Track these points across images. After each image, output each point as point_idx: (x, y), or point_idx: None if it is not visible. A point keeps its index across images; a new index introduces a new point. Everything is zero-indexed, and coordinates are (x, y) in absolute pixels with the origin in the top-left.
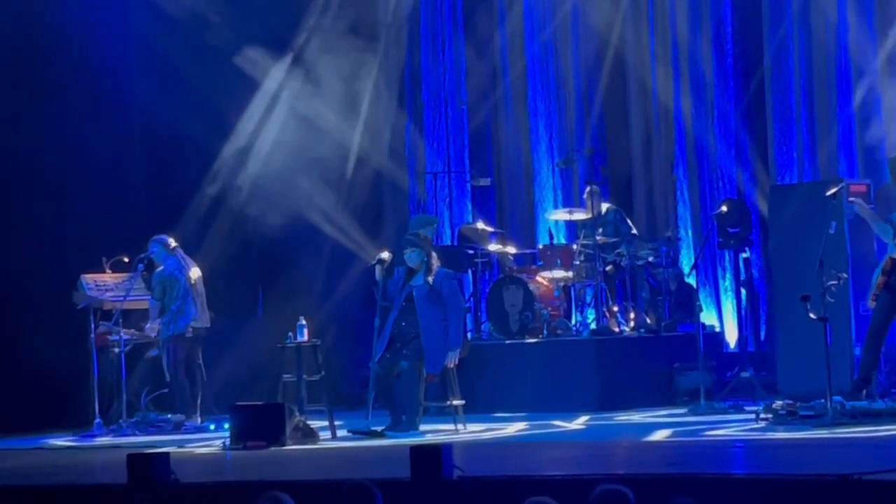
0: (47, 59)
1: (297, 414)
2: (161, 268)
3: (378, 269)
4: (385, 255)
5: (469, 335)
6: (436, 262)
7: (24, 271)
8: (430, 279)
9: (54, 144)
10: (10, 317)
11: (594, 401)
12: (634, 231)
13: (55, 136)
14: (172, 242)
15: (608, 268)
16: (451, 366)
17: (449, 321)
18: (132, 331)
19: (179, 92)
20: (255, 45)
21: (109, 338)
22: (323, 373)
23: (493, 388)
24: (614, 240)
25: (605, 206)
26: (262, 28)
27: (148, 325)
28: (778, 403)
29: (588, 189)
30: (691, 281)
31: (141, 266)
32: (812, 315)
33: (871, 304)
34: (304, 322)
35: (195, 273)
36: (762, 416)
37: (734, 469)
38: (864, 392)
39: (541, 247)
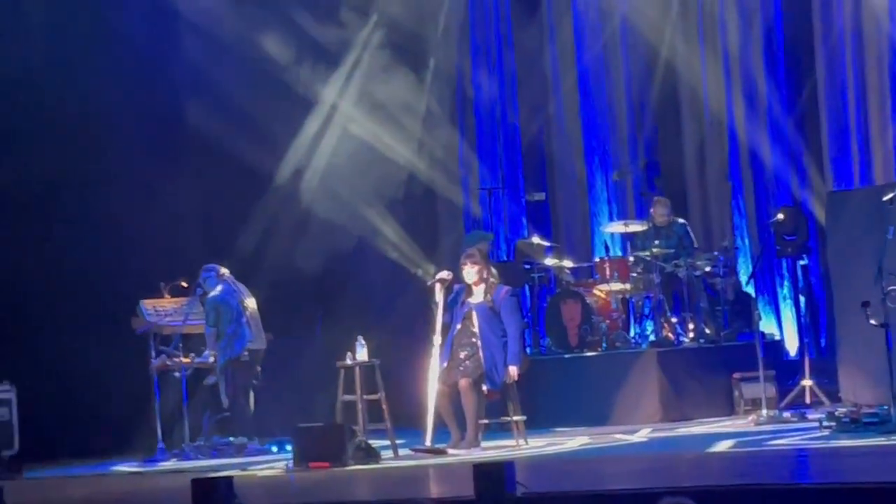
0: (101, 88)
1: (358, 434)
2: (213, 293)
3: (438, 287)
4: (444, 274)
5: (528, 350)
6: (495, 279)
7: (84, 297)
8: (490, 296)
9: (110, 170)
10: (71, 344)
11: (655, 413)
12: (697, 244)
13: (110, 162)
14: (223, 270)
15: (673, 270)
16: (511, 381)
17: (508, 337)
18: (192, 355)
19: (232, 115)
20: (307, 66)
21: (169, 362)
22: (383, 392)
23: (553, 403)
24: (670, 251)
25: (671, 218)
26: (313, 49)
27: (206, 353)
28: (841, 411)
29: (661, 200)
30: (749, 290)
31: (199, 290)
32: (873, 321)
33: None
34: (362, 341)
35: (251, 302)
36: (825, 424)
37: (799, 479)
38: None
39: (597, 260)
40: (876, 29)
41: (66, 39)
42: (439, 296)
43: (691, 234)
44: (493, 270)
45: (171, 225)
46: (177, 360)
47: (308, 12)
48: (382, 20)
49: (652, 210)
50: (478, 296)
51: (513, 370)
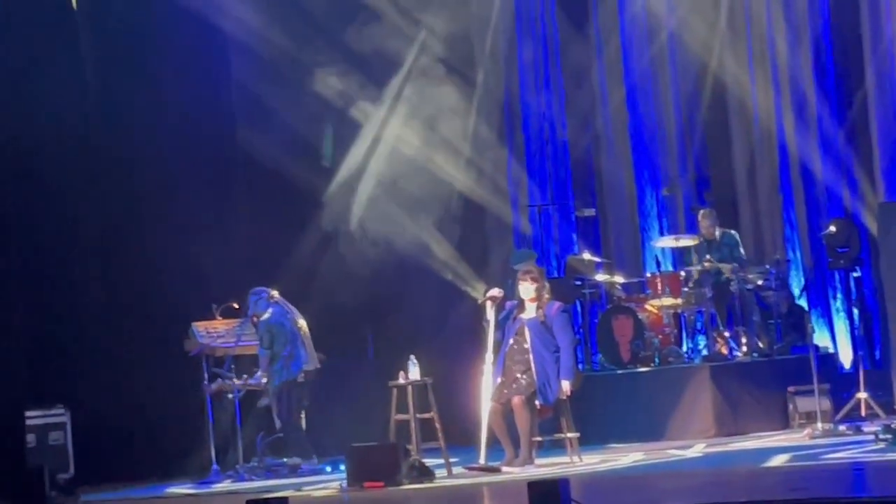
0: (154, 114)
1: (412, 453)
2: (266, 316)
3: (489, 305)
4: (496, 291)
5: (580, 367)
6: (548, 296)
7: (137, 320)
8: (542, 312)
9: (162, 195)
10: (125, 367)
11: (710, 427)
12: (746, 256)
13: (163, 187)
14: (273, 292)
15: (726, 281)
16: (564, 397)
17: (561, 352)
18: (244, 377)
19: (281, 135)
20: (355, 85)
21: (223, 384)
22: (435, 410)
23: (606, 419)
24: (723, 265)
25: (719, 231)
26: (360, 68)
27: (258, 374)
28: None
29: (704, 211)
30: (802, 303)
31: (250, 312)
32: None
33: None
34: (414, 360)
35: (301, 320)
36: (881, 436)
37: (856, 492)
38: None
39: (648, 275)
40: None
41: (117, 67)
42: (490, 313)
43: (741, 246)
44: (548, 286)
45: (223, 247)
46: (230, 381)
47: (356, 31)
48: (430, 39)
49: (699, 223)
50: (530, 312)
51: (566, 385)
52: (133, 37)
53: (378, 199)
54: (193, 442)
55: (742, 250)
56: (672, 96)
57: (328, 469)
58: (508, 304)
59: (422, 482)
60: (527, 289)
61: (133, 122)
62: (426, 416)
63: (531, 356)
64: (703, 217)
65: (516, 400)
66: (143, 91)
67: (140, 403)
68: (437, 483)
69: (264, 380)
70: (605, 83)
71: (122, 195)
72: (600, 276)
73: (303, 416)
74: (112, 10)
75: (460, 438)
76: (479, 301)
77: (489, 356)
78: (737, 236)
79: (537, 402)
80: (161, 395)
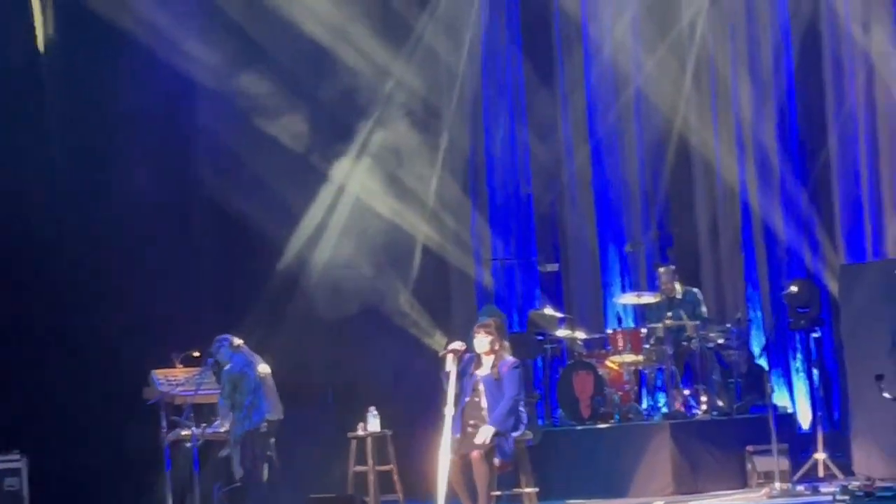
0: (116, 155)
1: None
2: (228, 365)
3: (450, 358)
4: (457, 344)
5: (540, 422)
6: (505, 352)
7: (96, 368)
8: (496, 368)
9: (123, 239)
10: (82, 413)
11: (668, 485)
12: (707, 315)
13: (124, 230)
14: (237, 341)
15: (684, 345)
16: (481, 442)
17: (502, 401)
18: (203, 425)
19: (247, 184)
20: (321, 134)
21: (181, 433)
22: (394, 463)
23: (566, 475)
24: (685, 322)
25: (681, 288)
26: (327, 118)
27: (217, 423)
28: (854, 484)
29: (663, 269)
30: (762, 362)
31: (211, 360)
32: (887, 394)
33: None
34: (374, 412)
35: (264, 368)
36: (838, 498)
37: None
38: None
39: (610, 331)
40: (888, 101)
41: (82, 109)
42: (451, 366)
43: (703, 304)
44: (506, 344)
45: (184, 294)
46: (188, 430)
47: (323, 80)
48: (398, 90)
49: (659, 281)
50: (485, 368)
51: (487, 430)
52: (99, 80)
53: (341, 248)
54: (151, 490)
55: (704, 308)
56: (637, 153)
57: None
58: (467, 356)
59: None
60: (481, 342)
61: (96, 166)
62: (385, 468)
63: (486, 413)
64: (664, 274)
65: (475, 454)
66: (108, 135)
67: (98, 450)
68: None
69: (223, 429)
70: (570, 138)
71: (84, 240)
72: (562, 332)
73: (265, 466)
74: (79, 51)
75: (419, 492)
76: (440, 353)
77: (449, 409)
78: (699, 294)
79: (496, 459)
80: (119, 442)
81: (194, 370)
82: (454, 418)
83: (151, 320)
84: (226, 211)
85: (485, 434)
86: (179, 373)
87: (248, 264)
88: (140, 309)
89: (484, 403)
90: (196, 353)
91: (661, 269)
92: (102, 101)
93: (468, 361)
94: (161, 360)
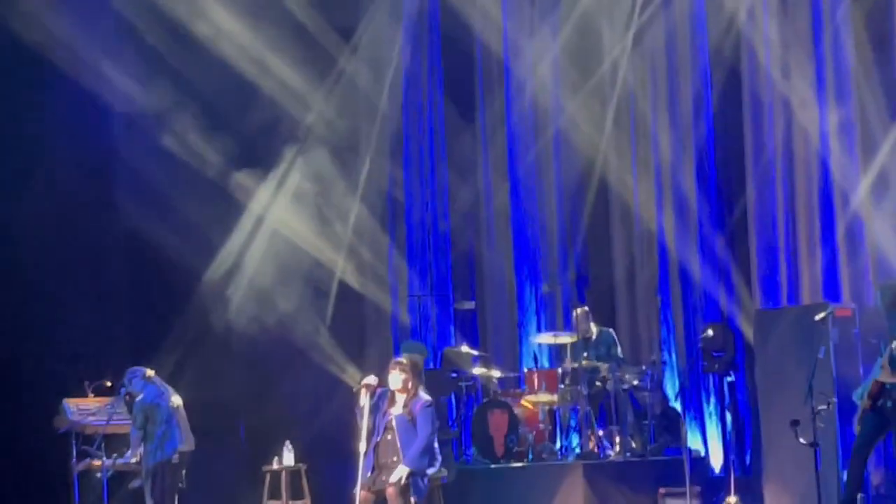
0: (26, 178)
1: None
2: (141, 396)
3: (364, 392)
4: (370, 379)
5: (454, 459)
6: (418, 390)
7: (5, 395)
8: (409, 408)
9: (38, 266)
10: None
11: None
12: (622, 356)
13: (37, 257)
14: (149, 372)
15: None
16: (396, 481)
17: (416, 441)
18: (114, 456)
19: (165, 215)
20: (240, 165)
21: (92, 463)
22: (308, 497)
23: None
24: (600, 363)
25: (596, 328)
26: (246, 151)
27: (129, 453)
28: None
29: (578, 311)
30: (676, 405)
31: (123, 390)
32: (802, 440)
33: (857, 427)
34: (289, 446)
35: (176, 400)
36: None
37: None
38: None
39: (525, 370)
40: (806, 150)
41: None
42: (365, 400)
43: (618, 345)
44: (420, 384)
45: (96, 323)
46: (99, 460)
47: (245, 113)
48: (318, 124)
49: (574, 321)
50: (398, 406)
51: (402, 471)
52: (16, 104)
53: (257, 280)
54: None
55: (619, 349)
56: (556, 193)
57: None
58: (380, 390)
59: None
60: (394, 378)
61: (9, 190)
62: (299, 503)
63: (400, 451)
64: (579, 316)
65: (390, 491)
66: (22, 159)
67: (4, 479)
68: None
69: (134, 460)
70: (489, 177)
71: None
72: (477, 370)
73: (175, 498)
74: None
75: None
76: (354, 389)
77: (362, 445)
78: (614, 335)
79: (412, 499)
80: (28, 471)
81: (106, 400)
82: (367, 455)
83: (64, 349)
84: (142, 240)
85: (399, 474)
86: (91, 402)
87: (164, 295)
88: (52, 337)
89: (397, 442)
90: (108, 383)
91: (577, 311)
92: (16, 123)
93: (381, 396)
94: (73, 389)
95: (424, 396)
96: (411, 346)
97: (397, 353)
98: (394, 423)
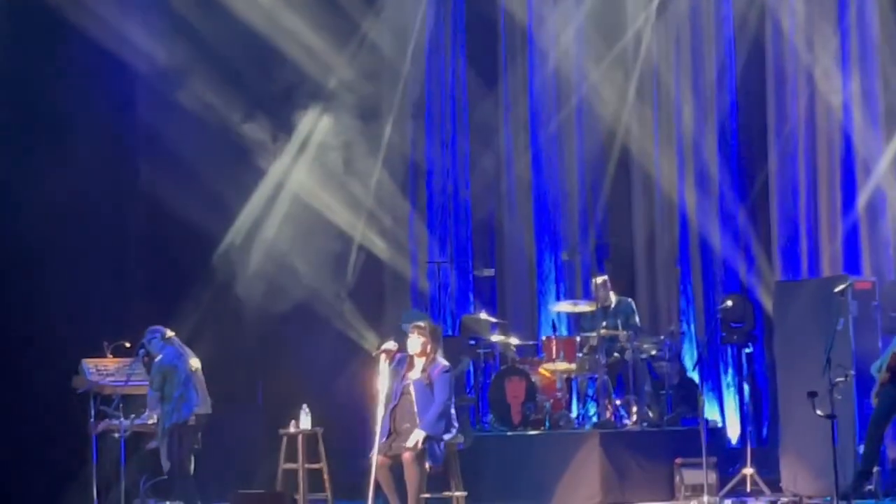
0: (48, 140)
1: (299, 503)
2: (159, 357)
3: (383, 358)
4: (390, 345)
5: (471, 426)
6: (434, 354)
7: (24, 355)
8: (427, 372)
9: (58, 228)
10: (10, 400)
11: (596, 494)
12: (641, 324)
13: (59, 219)
14: (168, 333)
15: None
16: (413, 445)
17: (433, 406)
18: (132, 417)
19: (185, 178)
20: (260, 131)
21: (109, 423)
22: (325, 461)
23: (494, 480)
24: (618, 332)
25: (615, 297)
26: (267, 115)
27: (146, 414)
28: (781, 501)
29: (598, 279)
30: (694, 376)
31: (142, 351)
32: (819, 412)
33: (875, 400)
34: (307, 409)
35: (195, 362)
36: None
37: None
38: (866, 485)
39: (543, 338)
40: (828, 122)
41: (18, 93)
42: (384, 366)
43: (636, 315)
44: (439, 347)
45: (116, 284)
46: (117, 421)
47: (264, 78)
48: (340, 87)
49: (593, 289)
50: (416, 371)
51: (418, 435)
52: (35, 65)
53: (277, 245)
54: (76, 480)
55: (637, 318)
56: (577, 162)
57: None
58: (399, 356)
59: None
60: (413, 342)
61: (31, 152)
62: (315, 466)
63: (417, 416)
64: (599, 285)
65: (406, 456)
66: (43, 121)
67: (24, 439)
68: None
69: (151, 421)
70: (511, 145)
71: (18, 228)
72: (495, 337)
73: (192, 459)
74: (20, 35)
75: (348, 491)
76: (374, 354)
77: (381, 409)
78: (633, 304)
79: (427, 463)
80: (46, 431)
81: (125, 360)
82: (384, 420)
83: (84, 309)
84: (162, 203)
85: (416, 438)
86: (110, 363)
87: (183, 257)
88: (73, 298)
89: (414, 407)
90: (127, 344)
91: (597, 280)
92: (38, 86)
93: (400, 362)
94: (92, 349)
95: (443, 362)
96: (414, 315)
97: None
98: (411, 387)
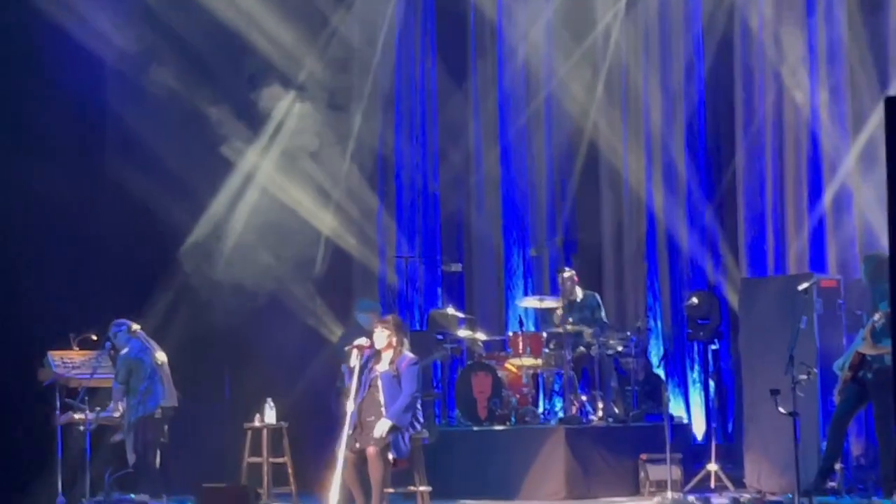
0: (15, 130)
1: (262, 497)
2: (125, 350)
3: (355, 353)
4: (362, 341)
5: (437, 421)
6: (401, 348)
7: None
8: (394, 366)
9: (24, 218)
10: None
11: (561, 489)
12: (606, 320)
13: (24, 209)
14: (134, 326)
15: (577, 353)
16: (378, 436)
17: (400, 398)
18: (97, 410)
19: (154, 170)
20: (230, 122)
21: (75, 416)
22: (289, 455)
23: (460, 475)
24: (584, 328)
25: (581, 291)
26: (236, 105)
27: (111, 407)
28: (745, 497)
29: (567, 273)
30: (660, 372)
31: (108, 344)
32: (782, 409)
33: (838, 398)
34: (271, 403)
35: (161, 356)
36: None
37: None
38: (829, 482)
39: (510, 334)
40: (796, 120)
41: None
42: (355, 361)
43: (602, 309)
44: (405, 340)
45: (84, 277)
46: (82, 414)
47: (233, 68)
48: (310, 81)
49: (560, 283)
50: (384, 364)
51: (384, 424)
52: (3, 54)
53: (245, 239)
54: (41, 473)
55: (603, 313)
56: (546, 158)
57: None
58: (368, 352)
59: None
60: (379, 336)
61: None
62: (279, 460)
63: (384, 409)
64: (565, 277)
65: (371, 450)
66: (9, 109)
67: None
68: None
69: (117, 414)
70: (480, 140)
71: None
72: (462, 332)
73: (158, 453)
74: None
75: (312, 485)
76: (346, 349)
77: (350, 404)
78: (598, 298)
79: (390, 455)
80: (10, 423)
81: (91, 353)
82: (352, 415)
83: (49, 301)
84: (131, 195)
85: (382, 428)
86: (76, 355)
87: (151, 250)
88: (39, 289)
89: (382, 399)
90: (94, 336)
91: (563, 274)
92: (5, 75)
93: (369, 357)
94: (58, 342)
95: (410, 354)
96: (365, 305)
97: (384, 313)
98: (379, 380)
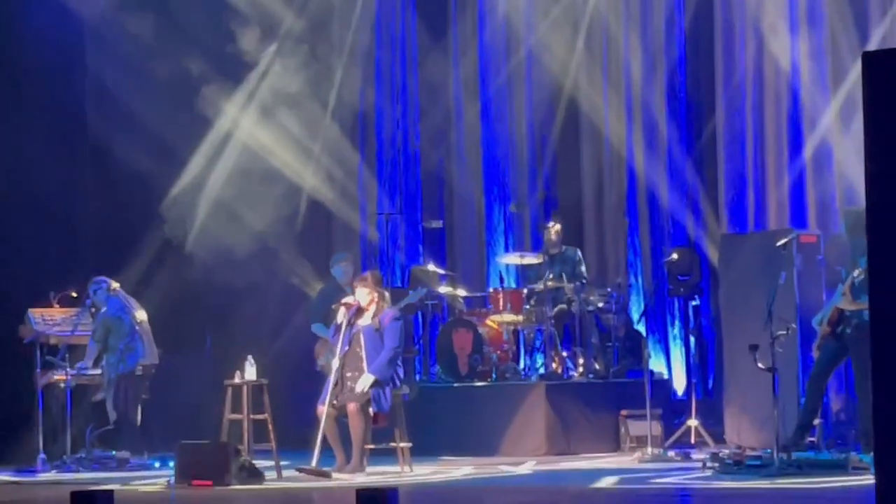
0: (0, 92)
1: (243, 453)
2: (104, 309)
3: (342, 311)
4: (350, 298)
5: (418, 377)
6: (385, 303)
7: None
8: (377, 320)
9: (4, 176)
10: None
11: (541, 445)
12: (586, 275)
13: (5, 168)
14: (114, 284)
15: (557, 310)
16: (360, 391)
17: (382, 351)
18: (78, 367)
19: (133, 127)
20: (210, 80)
21: (55, 376)
22: (269, 412)
23: (440, 431)
24: (565, 284)
25: (564, 246)
26: (216, 64)
27: (81, 364)
28: (724, 452)
29: (553, 227)
30: (640, 328)
31: (89, 301)
32: (760, 365)
33: (816, 353)
34: (252, 360)
35: (141, 315)
36: (709, 464)
37: None
38: (807, 437)
39: (491, 290)
40: (776, 76)
41: None
42: (342, 319)
43: (583, 264)
44: (386, 294)
45: (65, 234)
46: (63, 371)
47: (214, 26)
48: (289, 37)
49: (544, 235)
50: (366, 319)
51: (366, 379)
52: None
53: (225, 196)
54: (21, 430)
55: (584, 268)
56: (526, 114)
57: (157, 465)
58: (352, 309)
59: (250, 483)
60: (360, 294)
61: None
62: (260, 417)
63: (365, 364)
64: (551, 230)
65: (351, 406)
66: None
67: None
68: (266, 485)
69: (92, 371)
70: (460, 97)
71: None
72: (443, 289)
73: (139, 410)
74: None
75: (293, 442)
76: (333, 307)
77: (335, 361)
78: (579, 253)
79: (371, 410)
80: None
81: (72, 311)
82: (335, 371)
83: (30, 258)
84: (110, 153)
85: (364, 383)
86: (56, 312)
87: (132, 206)
88: (19, 246)
89: (363, 354)
90: (74, 294)
91: (550, 227)
92: None
93: (350, 314)
94: (38, 299)
95: (392, 310)
96: (338, 257)
97: (364, 270)
98: (361, 335)
